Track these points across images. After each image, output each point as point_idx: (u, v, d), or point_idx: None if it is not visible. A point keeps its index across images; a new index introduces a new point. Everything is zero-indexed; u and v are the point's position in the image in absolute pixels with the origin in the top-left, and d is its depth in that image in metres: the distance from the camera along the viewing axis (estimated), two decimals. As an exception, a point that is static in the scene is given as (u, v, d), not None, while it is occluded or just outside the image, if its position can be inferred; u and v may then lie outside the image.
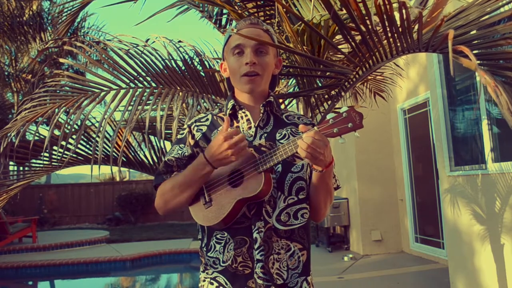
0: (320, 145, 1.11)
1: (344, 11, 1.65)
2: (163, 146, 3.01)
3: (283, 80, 3.11)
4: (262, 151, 1.26)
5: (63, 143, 2.78)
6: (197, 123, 1.39)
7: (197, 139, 1.35)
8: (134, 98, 2.41)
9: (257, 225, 1.22)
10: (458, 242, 4.05)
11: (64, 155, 2.91)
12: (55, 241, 8.94)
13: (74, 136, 2.83)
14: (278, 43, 1.43)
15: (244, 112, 1.35)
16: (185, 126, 1.42)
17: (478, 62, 1.37)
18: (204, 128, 1.37)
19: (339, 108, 2.38)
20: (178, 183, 1.27)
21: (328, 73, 2.41)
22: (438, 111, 4.30)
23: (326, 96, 2.55)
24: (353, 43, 1.71)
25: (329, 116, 1.14)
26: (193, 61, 2.70)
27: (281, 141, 1.31)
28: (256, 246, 1.21)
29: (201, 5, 3.14)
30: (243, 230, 1.24)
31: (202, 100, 2.50)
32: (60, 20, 3.59)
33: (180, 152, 1.36)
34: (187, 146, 1.36)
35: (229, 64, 1.35)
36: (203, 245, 1.33)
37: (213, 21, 3.25)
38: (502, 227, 3.47)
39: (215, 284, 1.27)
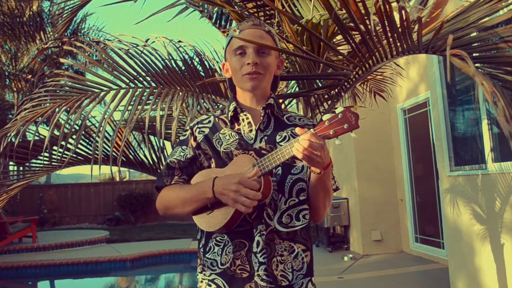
0: (316, 147, 1.11)
1: (344, 11, 1.65)
2: (163, 146, 3.01)
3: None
4: (262, 154, 1.25)
5: (63, 143, 2.78)
6: (199, 125, 1.39)
7: (199, 141, 1.35)
8: (134, 98, 2.41)
9: (258, 228, 1.22)
10: (458, 242, 4.05)
11: (64, 155, 2.91)
12: (55, 241, 8.93)
13: (74, 136, 2.83)
14: (279, 45, 1.42)
15: (245, 115, 1.35)
16: (187, 127, 1.42)
17: (477, 65, 1.36)
18: (206, 130, 1.37)
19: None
20: (181, 197, 1.28)
21: (328, 72, 2.41)
22: (438, 111, 4.29)
23: (326, 96, 2.55)
24: (352, 44, 1.71)
25: (325, 117, 1.14)
26: (193, 61, 2.69)
27: (281, 143, 1.31)
28: (258, 249, 1.21)
29: (201, 5, 3.13)
30: (242, 233, 1.24)
31: (202, 100, 2.50)
32: (60, 19, 3.59)
33: (182, 154, 1.36)
34: (189, 148, 1.36)
35: (231, 64, 1.35)
36: (200, 246, 1.33)
37: (213, 21, 3.25)
38: (502, 227, 3.47)
39: (213, 286, 1.27)
